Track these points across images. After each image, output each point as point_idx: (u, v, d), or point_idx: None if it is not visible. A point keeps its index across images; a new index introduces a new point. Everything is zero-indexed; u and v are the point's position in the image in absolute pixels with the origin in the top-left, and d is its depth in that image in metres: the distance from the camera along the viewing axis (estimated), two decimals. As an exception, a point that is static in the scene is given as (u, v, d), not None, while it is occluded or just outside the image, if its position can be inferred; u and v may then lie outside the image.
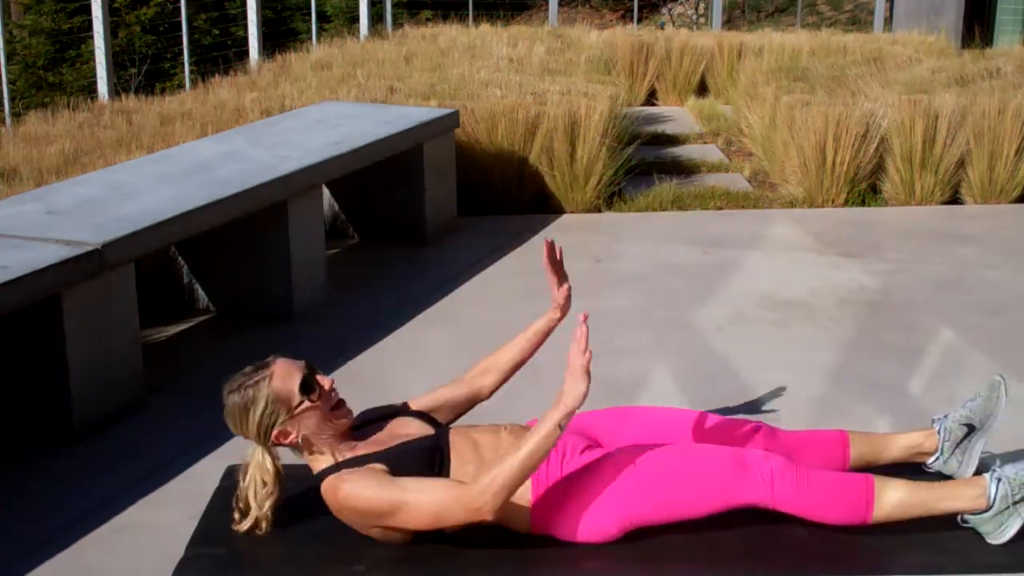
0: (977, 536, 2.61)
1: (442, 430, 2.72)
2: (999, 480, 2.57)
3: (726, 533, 2.63)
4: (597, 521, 2.61)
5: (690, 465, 2.61)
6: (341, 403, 2.64)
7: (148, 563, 2.72)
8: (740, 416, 3.00)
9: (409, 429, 2.72)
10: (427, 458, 2.61)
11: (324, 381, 2.62)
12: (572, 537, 2.62)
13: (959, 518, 2.62)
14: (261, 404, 2.55)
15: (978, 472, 2.95)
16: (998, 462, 2.66)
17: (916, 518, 2.60)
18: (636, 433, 2.80)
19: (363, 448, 2.63)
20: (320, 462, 2.61)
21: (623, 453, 2.66)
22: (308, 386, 2.57)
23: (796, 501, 2.57)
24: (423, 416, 2.79)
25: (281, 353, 2.63)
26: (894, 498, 2.59)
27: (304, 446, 2.60)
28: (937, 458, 2.91)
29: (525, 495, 2.62)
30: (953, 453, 2.89)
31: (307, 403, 2.56)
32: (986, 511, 2.58)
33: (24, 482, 3.14)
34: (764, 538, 2.63)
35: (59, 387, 3.34)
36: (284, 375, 2.56)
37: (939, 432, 2.92)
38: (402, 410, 2.82)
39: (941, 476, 2.92)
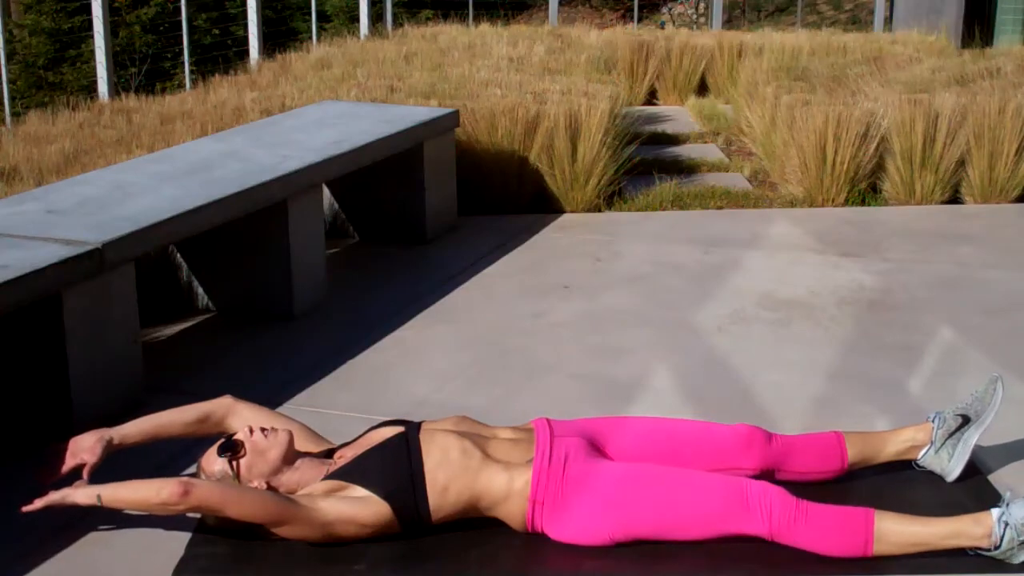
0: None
1: (412, 426, 2.79)
2: (1007, 525, 2.55)
3: (726, 533, 2.63)
4: (590, 527, 2.62)
5: (692, 491, 2.61)
6: (272, 432, 2.76)
7: (148, 563, 2.72)
8: (738, 420, 3.00)
9: (381, 436, 2.80)
10: (392, 452, 2.68)
11: (240, 434, 2.75)
12: (562, 537, 2.65)
13: (967, 550, 2.59)
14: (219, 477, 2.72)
15: (974, 472, 2.96)
16: (1008, 495, 2.64)
17: (919, 554, 2.59)
18: (639, 443, 2.80)
19: (331, 466, 2.77)
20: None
21: (627, 467, 2.67)
22: (225, 447, 2.72)
23: (794, 536, 2.58)
24: (397, 422, 2.86)
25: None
26: (895, 534, 2.57)
27: (286, 487, 2.72)
28: (928, 449, 2.90)
29: (524, 491, 2.64)
30: (945, 444, 2.89)
31: (233, 458, 2.70)
32: (992, 550, 2.57)
33: (24, 482, 3.14)
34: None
35: (59, 386, 3.34)
36: (207, 459, 2.74)
37: (933, 421, 2.92)
38: (384, 423, 2.90)
39: (932, 476, 2.93)
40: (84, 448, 2.84)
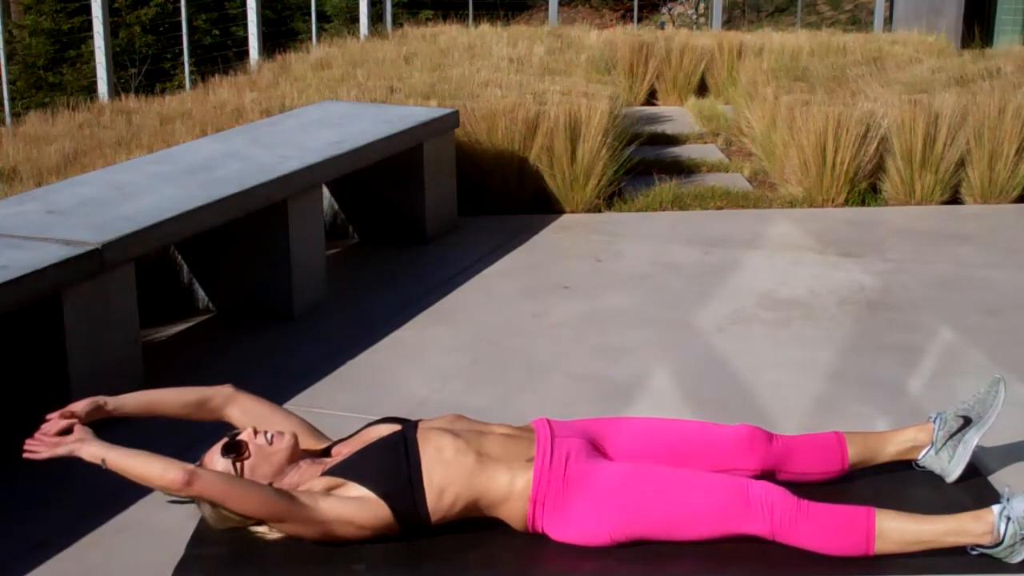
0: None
1: (409, 424, 2.79)
2: (1008, 519, 2.55)
3: (726, 533, 2.63)
4: (591, 527, 2.62)
5: (693, 491, 2.61)
6: (277, 435, 2.74)
7: (148, 563, 2.72)
8: (738, 421, 3.00)
9: (379, 433, 2.80)
10: (390, 450, 2.68)
11: (244, 435, 2.73)
12: (563, 538, 2.64)
13: (968, 548, 2.59)
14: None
15: (975, 473, 2.96)
16: (1007, 491, 2.64)
17: (921, 551, 2.58)
18: (639, 444, 2.80)
19: (328, 463, 2.76)
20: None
21: (628, 467, 2.67)
22: (229, 448, 2.70)
23: (796, 535, 2.58)
24: (394, 420, 2.86)
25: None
26: (896, 532, 2.57)
27: (286, 486, 2.70)
28: (929, 450, 2.90)
29: (525, 491, 2.64)
30: (945, 445, 2.89)
31: (237, 460, 2.68)
32: (995, 546, 2.56)
33: (24, 481, 3.14)
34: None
35: (59, 386, 3.34)
36: (210, 457, 2.71)
37: (935, 422, 2.92)
38: (381, 420, 2.90)
39: (933, 477, 2.93)
40: (75, 410, 2.77)
